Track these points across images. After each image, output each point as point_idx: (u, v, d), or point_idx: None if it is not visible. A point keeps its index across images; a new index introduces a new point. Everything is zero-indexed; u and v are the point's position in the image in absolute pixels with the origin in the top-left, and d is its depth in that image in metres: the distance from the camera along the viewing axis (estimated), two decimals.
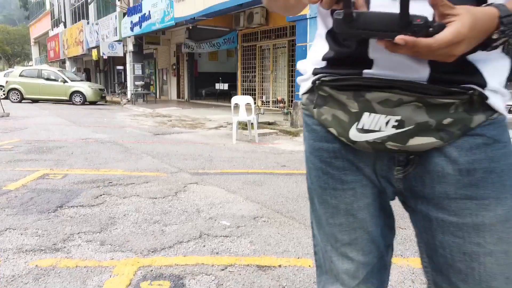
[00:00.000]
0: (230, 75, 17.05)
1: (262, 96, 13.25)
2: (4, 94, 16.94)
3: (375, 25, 0.60)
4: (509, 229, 0.71)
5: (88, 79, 24.59)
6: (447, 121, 0.69)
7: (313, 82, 0.79)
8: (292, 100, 9.62)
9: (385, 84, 0.70)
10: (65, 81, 15.93)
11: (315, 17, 8.84)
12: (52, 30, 30.49)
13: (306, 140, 0.87)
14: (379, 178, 0.80)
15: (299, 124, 8.06)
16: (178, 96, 19.49)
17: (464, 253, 0.73)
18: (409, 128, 0.70)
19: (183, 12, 12.28)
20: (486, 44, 0.63)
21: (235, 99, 6.68)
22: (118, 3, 18.16)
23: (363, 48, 0.71)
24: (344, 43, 0.75)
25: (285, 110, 9.96)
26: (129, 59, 18.08)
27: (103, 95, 16.86)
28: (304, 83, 0.84)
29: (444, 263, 0.77)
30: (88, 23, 22.37)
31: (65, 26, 26.90)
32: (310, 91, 0.82)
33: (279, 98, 11.64)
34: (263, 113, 9.16)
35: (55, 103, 16.10)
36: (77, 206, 3.10)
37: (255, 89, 13.63)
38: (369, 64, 0.72)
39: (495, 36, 0.61)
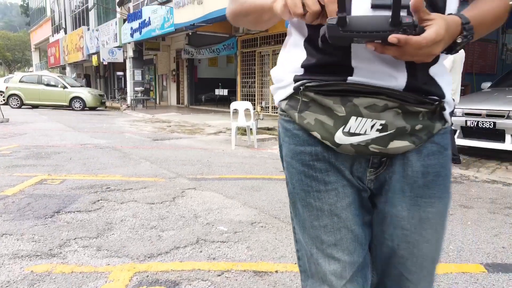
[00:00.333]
0: (229, 81, 17.09)
1: (261, 102, 13.28)
2: (4, 100, 16.97)
3: (367, 27, 0.64)
4: (442, 221, 0.87)
5: (88, 85, 24.64)
6: (418, 127, 0.79)
7: (296, 88, 0.82)
8: None
9: (372, 90, 0.75)
10: (65, 87, 15.95)
11: None
12: (53, 36, 30.61)
13: (285, 146, 0.89)
14: (358, 176, 0.85)
15: None
16: (178, 102, 19.51)
17: (408, 242, 0.85)
18: (390, 132, 0.77)
19: (182, 18, 12.33)
20: (451, 48, 0.71)
21: (234, 105, 6.69)
22: (118, 9, 18.25)
23: (346, 56, 0.76)
24: (326, 50, 0.77)
25: None
26: (129, 65, 18.13)
27: (103, 100, 16.87)
28: (282, 90, 0.87)
29: (388, 252, 0.88)
30: (88, 29, 22.48)
31: (65, 32, 27.01)
32: (289, 97, 0.85)
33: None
34: (262, 119, 9.16)
35: (54, 108, 16.12)
36: (74, 212, 3.09)
37: (254, 95, 13.65)
38: (351, 72, 0.77)
39: (459, 40, 0.70)
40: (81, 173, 4.42)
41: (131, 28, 16.38)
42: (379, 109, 0.76)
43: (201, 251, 2.41)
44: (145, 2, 16.65)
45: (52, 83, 16.12)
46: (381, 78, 0.76)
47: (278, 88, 0.89)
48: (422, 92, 0.78)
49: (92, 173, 4.43)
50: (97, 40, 20.41)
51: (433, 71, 0.79)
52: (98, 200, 3.41)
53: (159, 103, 20.78)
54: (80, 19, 24.92)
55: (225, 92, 15.90)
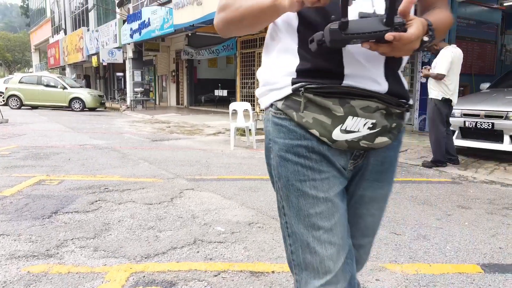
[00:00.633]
0: (229, 81, 17.10)
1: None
2: (3, 101, 16.97)
3: (365, 29, 0.73)
4: (385, 201, 1.07)
5: (88, 85, 24.65)
6: (393, 125, 0.94)
7: (295, 89, 0.90)
8: None
9: (366, 94, 0.88)
10: (64, 88, 15.96)
11: None
12: (53, 37, 30.64)
13: (280, 141, 0.94)
14: (342, 168, 0.96)
15: None
16: (178, 103, 19.52)
17: (356, 213, 1.04)
18: (378, 129, 0.91)
19: (182, 19, 12.35)
20: (419, 46, 0.81)
21: (233, 105, 6.69)
22: (118, 10, 18.26)
23: (339, 63, 0.87)
24: (320, 57, 0.87)
25: None
26: (128, 65, 18.14)
27: (102, 101, 16.87)
28: (277, 91, 0.94)
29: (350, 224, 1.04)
30: (88, 30, 22.50)
31: (65, 33, 27.04)
32: (286, 98, 0.93)
33: None
34: (261, 119, 9.16)
35: (54, 109, 16.12)
36: (72, 212, 3.09)
37: (254, 96, 13.65)
38: (342, 77, 0.87)
39: (425, 39, 0.79)
40: (79, 174, 4.43)
41: (131, 29, 16.40)
42: (372, 110, 0.88)
43: (198, 252, 2.41)
44: (145, 3, 16.68)
45: (52, 83, 16.12)
46: (369, 84, 0.88)
47: (271, 90, 0.96)
48: (397, 96, 0.92)
49: (90, 174, 4.44)
50: (97, 41, 20.43)
51: (400, 73, 0.95)
52: (96, 201, 3.41)
53: (159, 104, 20.79)
54: (80, 20, 24.94)
55: (224, 93, 15.91)
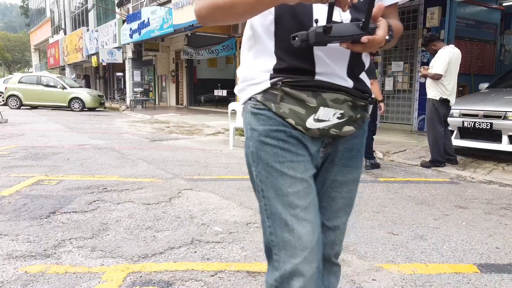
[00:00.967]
0: (229, 81, 17.10)
1: None
2: (3, 101, 16.97)
3: (345, 33, 0.86)
4: (355, 185, 1.18)
5: (87, 85, 24.65)
6: (358, 116, 1.07)
7: (273, 83, 1.01)
8: None
9: (336, 87, 1.01)
10: (64, 88, 15.96)
11: None
12: (52, 37, 30.64)
13: (260, 127, 1.04)
14: (315, 154, 1.08)
15: None
16: (177, 103, 19.52)
17: (329, 196, 1.15)
18: (345, 119, 1.03)
19: (181, 19, 12.35)
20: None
21: (232, 105, 6.69)
22: (117, 10, 18.27)
23: (311, 63, 0.99)
24: (294, 58, 0.99)
25: None
26: (128, 65, 18.14)
27: (102, 101, 16.87)
28: (256, 86, 1.05)
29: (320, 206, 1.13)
30: (87, 30, 22.49)
31: (65, 33, 27.03)
32: (265, 91, 1.03)
33: None
34: None
35: (54, 109, 16.13)
36: (70, 212, 3.10)
37: None
38: (314, 75, 1.00)
39: (387, 37, 0.90)
40: (78, 174, 4.43)
41: (130, 29, 16.40)
42: (340, 102, 1.01)
43: (195, 252, 2.41)
44: (144, 3, 16.68)
45: (51, 83, 16.12)
46: (337, 80, 1.01)
47: (250, 85, 1.07)
48: (361, 91, 1.06)
49: (89, 174, 4.44)
50: (97, 41, 20.42)
51: (363, 76, 1.09)
52: (94, 201, 3.41)
53: (158, 104, 20.79)
54: (80, 20, 24.94)
55: (224, 93, 15.91)
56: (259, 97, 1.04)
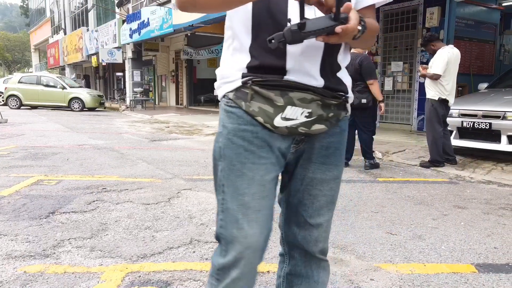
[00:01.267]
0: None
1: None
2: (3, 101, 16.98)
3: (318, 26, 0.87)
4: (337, 182, 1.19)
5: (87, 85, 24.66)
6: (330, 114, 1.08)
7: (244, 82, 1.05)
8: None
9: (303, 87, 1.03)
10: (64, 88, 15.97)
11: None
12: (52, 37, 30.65)
13: (230, 126, 1.08)
14: (282, 155, 1.11)
15: None
16: (177, 103, 19.53)
17: (311, 194, 1.16)
18: (314, 118, 1.05)
19: (181, 19, 12.36)
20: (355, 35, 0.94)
21: None
22: (117, 10, 18.27)
23: (282, 61, 1.02)
24: (267, 56, 1.02)
25: None
26: (128, 65, 18.15)
27: (102, 101, 16.88)
28: (229, 84, 1.09)
29: (295, 200, 1.18)
30: (87, 30, 22.50)
31: (65, 33, 27.03)
32: (237, 89, 1.07)
33: None
34: None
35: (54, 109, 16.14)
36: (69, 212, 3.10)
37: None
38: (285, 73, 1.03)
39: (359, 28, 0.92)
40: (77, 174, 4.44)
41: (130, 29, 16.40)
42: (308, 101, 1.03)
43: (194, 252, 2.42)
44: (144, 3, 16.69)
45: (51, 83, 16.13)
46: (307, 79, 1.04)
47: (225, 83, 1.11)
48: (334, 89, 1.08)
49: (88, 174, 4.45)
50: (97, 41, 20.43)
51: (340, 74, 1.11)
52: (94, 201, 3.42)
53: (158, 104, 20.80)
54: (80, 20, 24.95)
55: None
56: (231, 95, 1.08)
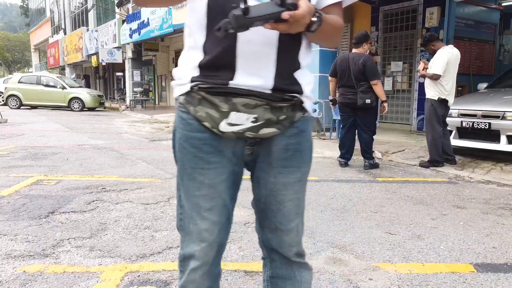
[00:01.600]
0: None
1: None
2: (3, 101, 16.98)
3: (264, 12, 0.84)
4: (301, 185, 1.17)
5: (87, 85, 24.66)
6: (282, 117, 1.06)
7: (191, 88, 1.06)
8: None
9: (246, 93, 1.01)
10: (64, 88, 15.97)
11: None
12: (52, 37, 30.64)
13: (180, 131, 1.12)
14: (237, 156, 1.12)
15: None
16: None
17: (276, 200, 1.15)
18: (261, 122, 1.04)
19: (181, 19, 12.36)
20: (309, 25, 0.92)
21: None
22: (117, 10, 18.27)
23: (232, 58, 1.01)
24: (220, 53, 1.00)
25: None
26: (128, 65, 18.15)
27: (102, 101, 16.89)
28: (181, 87, 1.10)
29: (264, 206, 1.18)
30: (87, 30, 22.50)
31: (65, 33, 27.03)
32: (186, 93, 1.08)
33: None
34: None
35: (53, 109, 16.14)
36: (68, 212, 3.11)
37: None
38: (234, 71, 1.01)
39: (314, 19, 0.91)
40: (77, 174, 4.44)
41: (130, 29, 16.41)
42: (252, 106, 1.02)
43: None
44: None
45: (51, 83, 16.13)
46: (255, 80, 1.02)
47: (177, 85, 1.11)
48: (286, 90, 1.05)
49: (88, 174, 4.45)
50: (96, 41, 20.43)
51: (297, 74, 1.08)
52: (93, 201, 3.42)
53: (158, 104, 20.80)
54: (80, 20, 24.94)
55: None
56: (181, 99, 1.10)
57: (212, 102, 1.04)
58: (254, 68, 1.01)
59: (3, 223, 2.84)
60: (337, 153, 5.42)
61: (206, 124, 1.06)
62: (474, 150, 5.58)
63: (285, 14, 0.84)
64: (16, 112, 14.01)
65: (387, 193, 3.88)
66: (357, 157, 5.36)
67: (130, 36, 16.50)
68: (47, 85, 16.08)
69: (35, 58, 39.86)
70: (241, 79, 1.02)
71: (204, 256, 1.15)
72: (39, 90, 15.94)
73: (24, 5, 49.59)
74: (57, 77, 17.25)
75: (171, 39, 17.85)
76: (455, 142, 5.48)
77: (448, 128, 5.26)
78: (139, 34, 15.72)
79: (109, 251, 2.40)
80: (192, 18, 1.07)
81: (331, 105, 5.56)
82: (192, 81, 1.06)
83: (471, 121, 5.31)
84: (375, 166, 5.03)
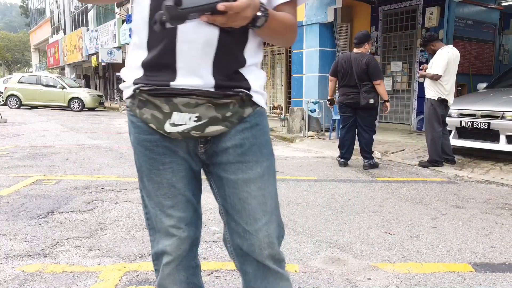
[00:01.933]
0: None
1: None
2: (3, 100, 16.98)
3: (198, 2, 0.79)
4: (264, 181, 1.12)
5: (87, 85, 24.64)
6: (228, 114, 1.05)
7: (134, 91, 1.06)
8: (289, 107, 9.66)
9: (186, 92, 1.01)
10: (63, 88, 15.97)
11: (311, 24, 8.85)
12: (52, 37, 30.64)
13: (132, 134, 1.13)
14: (192, 154, 1.12)
15: (295, 130, 8.08)
16: None
17: (240, 198, 1.11)
18: (204, 121, 1.03)
19: None
20: (255, 20, 0.91)
21: None
22: (117, 10, 18.27)
23: (172, 57, 0.99)
24: (161, 52, 0.99)
25: (282, 117, 9.99)
26: None
27: (101, 101, 16.89)
28: (127, 90, 1.09)
29: (229, 207, 1.14)
30: (87, 30, 22.50)
31: (64, 33, 27.03)
32: (131, 96, 1.08)
33: (276, 104, 11.68)
34: None
35: (53, 109, 16.14)
36: (68, 212, 3.11)
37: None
38: (175, 72, 1.00)
39: (259, 14, 0.90)
40: (76, 174, 4.44)
41: (130, 29, 16.38)
42: (192, 105, 1.01)
43: None
44: None
45: (51, 83, 16.12)
46: (195, 80, 1.00)
47: (124, 87, 1.11)
48: (230, 87, 1.03)
49: (87, 174, 4.45)
50: (96, 40, 20.43)
51: (243, 71, 1.06)
52: (93, 201, 3.42)
53: None
54: (79, 20, 24.94)
55: None
56: (128, 102, 1.11)
57: (155, 104, 1.03)
58: (195, 68, 1.00)
59: (2, 222, 2.84)
60: (336, 153, 5.42)
61: (152, 125, 1.06)
62: (474, 150, 5.59)
63: (221, 6, 0.80)
64: (16, 112, 14.01)
65: (386, 193, 3.89)
66: (356, 157, 5.36)
67: (130, 36, 16.46)
68: (47, 85, 16.08)
69: (35, 58, 39.86)
70: (182, 80, 1.01)
71: (176, 250, 1.16)
72: (39, 90, 15.94)
73: (24, 5, 49.61)
74: (57, 77, 17.25)
75: None
76: (455, 142, 5.48)
77: (448, 128, 5.26)
78: None
79: (108, 251, 2.40)
80: (137, 15, 1.05)
81: (328, 105, 5.56)
82: (134, 83, 1.06)
83: (470, 121, 5.32)
84: (375, 166, 5.03)
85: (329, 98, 5.36)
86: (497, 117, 5.08)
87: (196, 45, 0.98)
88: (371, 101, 4.72)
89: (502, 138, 5.02)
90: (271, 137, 5.37)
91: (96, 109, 16.73)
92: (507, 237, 2.75)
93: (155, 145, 1.09)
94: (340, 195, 3.79)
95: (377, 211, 3.29)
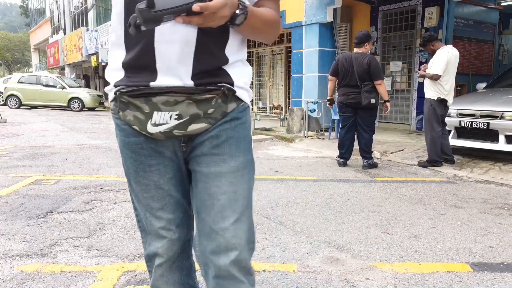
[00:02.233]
0: None
1: (258, 102, 13.30)
2: (2, 100, 16.97)
3: (172, 4, 0.76)
4: (238, 177, 1.06)
5: (87, 85, 24.64)
6: (210, 110, 1.02)
7: (115, 93, 1.05)
8: (288, 106, 9.66)
9: (165, 91, 0.99)
10: (63, 88, 15.97)
11: (311, 24, 8.85)
12: (52, 37, 30.63)
13: (118, 137, 1.12)
14: (178, 155, 1.10)
15: (295, 130, 8.08)
16: None
17: (209, 194, 1.05)
18: (186, 119, 1.01)
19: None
20: (233, 18, 0.90)
21: None
22: None
23: (152, 59, 0.98)
24: (140, 53, 0.98)
25: (282, 117, 9.99)
26: None
27: (101, 101, 16.88)
28: (110, 93, 1.09)
29: (199, 204, 1.09)
30: (87, 30, 22.49)
31: (64, 33, 27.03)
32: (114, 99, 1.08)
33: (275, 104, 11.68)
34: (259, 119, 9.18)
35: (53, 109, 16.14)
36: (67, 212, 3.11)
37: (252, 95, 13.65)
38: (156, 72, 0.99)
39: (238, 12, 0.89)
40: (76, 174, 4.45)
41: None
42: (172, 103, 0.99)
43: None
44: None
45: (51, 83, 16.12)
46: (176, 80, 0.99)
47: (108, 91, 1.10)
48: (211, 83, 1.01)
49: (87, 174, 4.46)
50: (96, 40, 20.43)
51: (226, 68, 1.03)
52: (92, 201, 3.43)
53: None
54: (79, 20, 24.94)
55: None
56: (112, 105, 1.11)
57: (135, 105, 1.02)
58: (175, 68, 0.98)
59: (1, 222, 2.84)
60: (335, 152, 5.42)
61: (135, 127, 1.04)
62: (473, 150, 5.59)
63: (196, 6, 0.78)
64: (16, 112, 14.01)
65: (385, 193, 3.89)
66: (355, 157, 5.36)
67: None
68: (46, 85, 16.07)
69: (35, 58, 39.86)
70: (163, 80, 0.99)
71: (168, 252, 1.15)
72: (38, 90, 15.94)
73: (24, 5, 49.62)
74: (56, 77, 17.24)
75: None
76: (454, 142, 5.48)
77: (447, 128, 5.26)
78: None
79: (107, 251, 2.40)
80: (114, 13, 1.03)
81: (328, 105, 5.56)
82: (115, 85, 1.05)
83: (469, 121, 5.32)
84: (374, 166, 5.03)
85: (328, 98, 5.36)
86: (496, 117, 5.08)
87: (174, 45, 0.96)
88: (373, 101, 4.73)
89: (501, 138, 5.02)
90: (270, 137, 5.44)
91: (96, 109, 16.73)
92: (505, 237, 2.75)
93: (140, 147, 1.07)
94: (339, 195, 3.79)
95: (376, 211, 3.29)
